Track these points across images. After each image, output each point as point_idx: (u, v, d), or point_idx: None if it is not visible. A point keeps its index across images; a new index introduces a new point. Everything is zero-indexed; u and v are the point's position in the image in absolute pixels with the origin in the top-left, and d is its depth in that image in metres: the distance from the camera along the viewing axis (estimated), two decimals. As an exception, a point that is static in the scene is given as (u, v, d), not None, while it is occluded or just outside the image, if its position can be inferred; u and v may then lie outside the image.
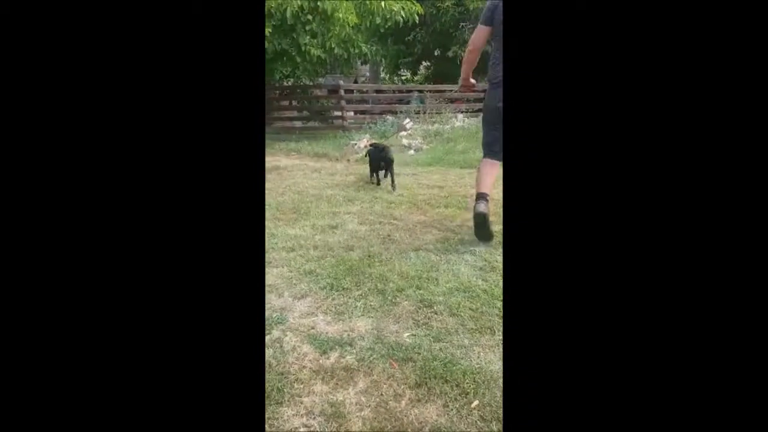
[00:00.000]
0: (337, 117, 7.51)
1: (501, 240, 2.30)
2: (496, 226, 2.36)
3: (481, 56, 2.32)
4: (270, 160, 4.86)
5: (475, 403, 1.18)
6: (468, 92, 2.59)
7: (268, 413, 1.14)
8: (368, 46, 6.95)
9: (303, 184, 3.75)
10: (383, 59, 10.13)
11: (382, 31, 7.76)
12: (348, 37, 6.21)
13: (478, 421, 1.12)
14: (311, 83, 8.12)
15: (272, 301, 1.74)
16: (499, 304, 1.66)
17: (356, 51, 6.76)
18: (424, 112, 6.87)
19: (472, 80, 2.41)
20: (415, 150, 5.51)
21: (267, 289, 1.84)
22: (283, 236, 2.43)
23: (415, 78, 11.76)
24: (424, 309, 1.66)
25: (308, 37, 5.88)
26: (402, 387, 1.24)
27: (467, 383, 1.24)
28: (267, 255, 2.18)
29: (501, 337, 1.47)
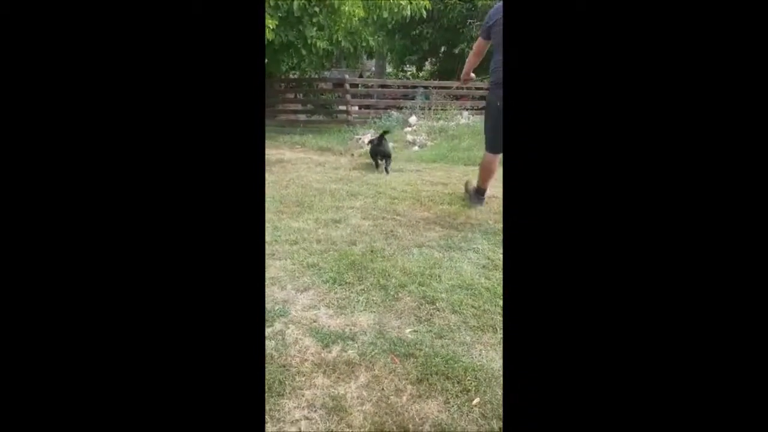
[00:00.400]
0: (342, 111, 7.48)
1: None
2: (497, 225, 2.36)
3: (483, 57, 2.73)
4: (274, 153, 4.85)
5: (476, 400, 1.18)
6: (466, 84, 3.02)
7: (270, 405, 1.15)
8: (376, 38, 6.91)
9: (307, 177, 3.75)
10: (389, 53, 10.06)
11: (389, 26, 7.71)
12: (355, 29, 6.17)
13: (478, 419, 1.12)
14: (317, 76, 8.09)
15: (275, 294, 1.74)
16: (502, 302, 1.66)
17: (363, 44, 6.72)
18: (429, 109, 6.84)
19: (472, 74, 2.84)
20: (419, 146, 5.49)
21: (270, 281, 1.84)
22: (287, 229, 2.43)
23: (421, 74, 11.70)
24: (427, 305, 1.66)
25: (315, 29, 5.85)
26: (403, 382, 1.25)
27: (468, 380, 1.24)
28: (270, 247, 2.18)
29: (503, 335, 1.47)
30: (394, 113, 6.95)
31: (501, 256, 2.08)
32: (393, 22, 6.59)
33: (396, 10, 6.05)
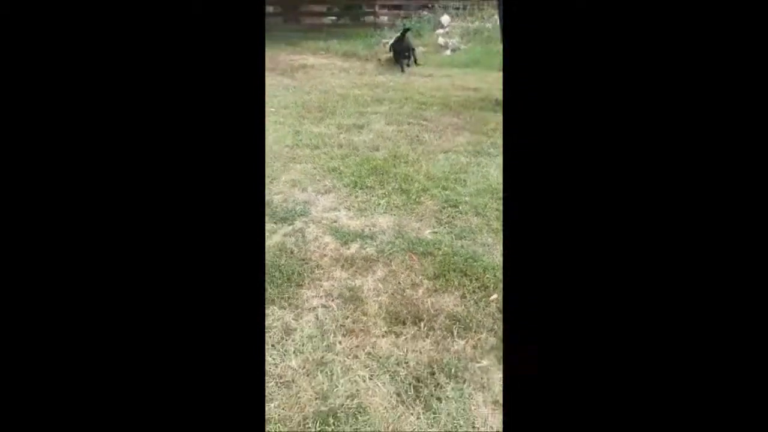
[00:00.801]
0: (369, 13, 6.89)
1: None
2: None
3: None
4: (296, 59, 4.61)
5: (495, 296, 1.17)
6: None
7: (288, 294, 1.18)
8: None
9: (330, 83, 3.57)
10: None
11: None
12: None
13: (495, 313, 1.12)
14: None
15: (295, 195, 1.73)
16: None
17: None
18: (464, 8, 6.17)
19: None
20: (451, 50, 5.05)
21: (290, 183, 1.82)
22: (308, 134, 2.36)
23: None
24: (449, 209, 1.61)
25: None
26: (420, 278, 1.24)
27: (488, 278, 1.22)
28: (291, 151, 2.14)
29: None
30: (425, 14, 6.33)
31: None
32: None
33: None
